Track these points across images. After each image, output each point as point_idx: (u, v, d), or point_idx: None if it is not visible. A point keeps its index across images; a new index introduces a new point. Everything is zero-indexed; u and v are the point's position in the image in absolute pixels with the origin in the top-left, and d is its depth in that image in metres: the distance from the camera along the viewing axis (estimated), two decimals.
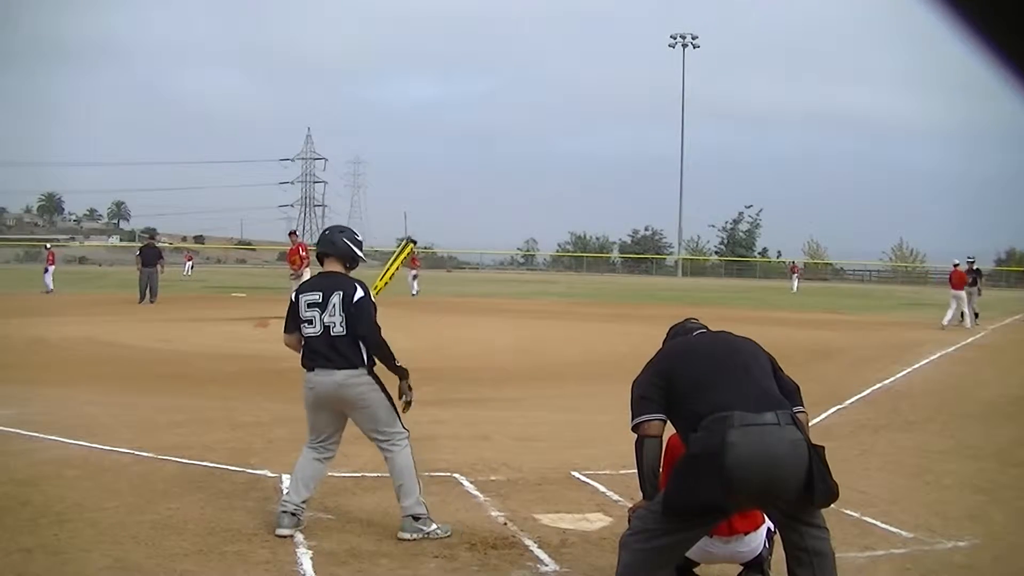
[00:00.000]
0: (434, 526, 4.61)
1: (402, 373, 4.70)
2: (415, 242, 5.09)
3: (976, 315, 22.41)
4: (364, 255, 4.96)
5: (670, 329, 4.03)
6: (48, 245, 34.94)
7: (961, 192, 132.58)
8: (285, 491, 4.92)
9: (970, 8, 1.30)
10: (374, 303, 4.72)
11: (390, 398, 4.69)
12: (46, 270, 29.11)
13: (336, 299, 4.65)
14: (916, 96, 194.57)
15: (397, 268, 5.06)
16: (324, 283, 4.76)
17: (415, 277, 31.28)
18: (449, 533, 4.63)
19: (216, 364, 11.87)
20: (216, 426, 7.49)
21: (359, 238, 4.94)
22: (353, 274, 4.88)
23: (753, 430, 3.17)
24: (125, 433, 6.95)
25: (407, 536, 4.56)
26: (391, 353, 4.65)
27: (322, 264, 4.92)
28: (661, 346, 3.87)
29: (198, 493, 5.33)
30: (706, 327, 3.94)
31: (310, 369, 4.70)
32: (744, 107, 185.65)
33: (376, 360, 4.68)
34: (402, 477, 4.64)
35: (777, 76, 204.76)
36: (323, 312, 4.65)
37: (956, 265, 22.77)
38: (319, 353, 4.66)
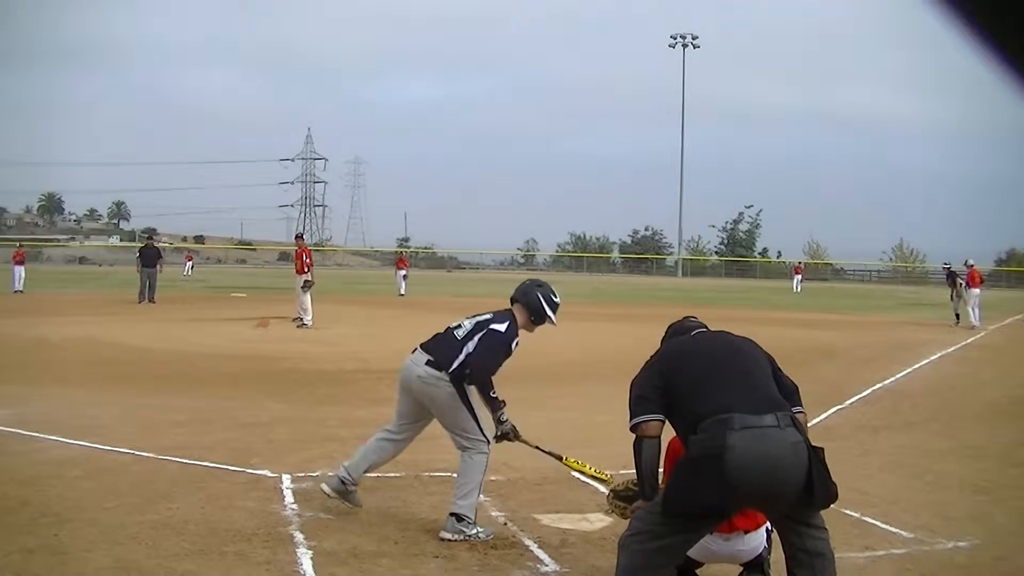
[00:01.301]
0: (475, 530, 4.61)
1: (495, 406, 4.71)
2: (611, 487, 5.11)
3: (958, 316, 22.45)
4: (553, 317, 4.97)
5: (669, 328, 4.02)
6: (19, 244, 33.42)
7: (961, 192, 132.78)
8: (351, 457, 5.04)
9: (970, 9, 1.30)
10: (511, 348, 4.79)
11: (471, 408, 4.73)
12: (14, 269, 27.54)
13: (484, 317, 4.86)
14: (916, 96, 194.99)
15: (583, 472, 5.17)
16: (497, 310, 4.96)
17: (404, 277, 31.41)
18: (492, 535, 4.64)
19: (216, 364, 11.86)
20: (216, 426, 7.49)
21: (556, 300, 5.00)
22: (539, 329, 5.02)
23: (753, 432, 3.16)
24: (125, 433, 6.95)
25: (447, 536, 4.58)
26: (490, 386, 4.70)
27: (511, 304, 5.01)
28: (660, 345, 3.86)
29: (198, 493, 5.33)
30: (705, 326, 3.93)
31: (413, 349, 4.88)
32: (744, 107, 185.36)
33: (471, 379, 4.73)
34: (464, 478, 4.69)
35: (777, 76, 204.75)
36: (469, 318, 4.90)
37: (970, 265, 22.80)
38: (433, 339, 4.88)
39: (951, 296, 23.38)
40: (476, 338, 4.75)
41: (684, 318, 4.05)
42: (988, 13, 1.30)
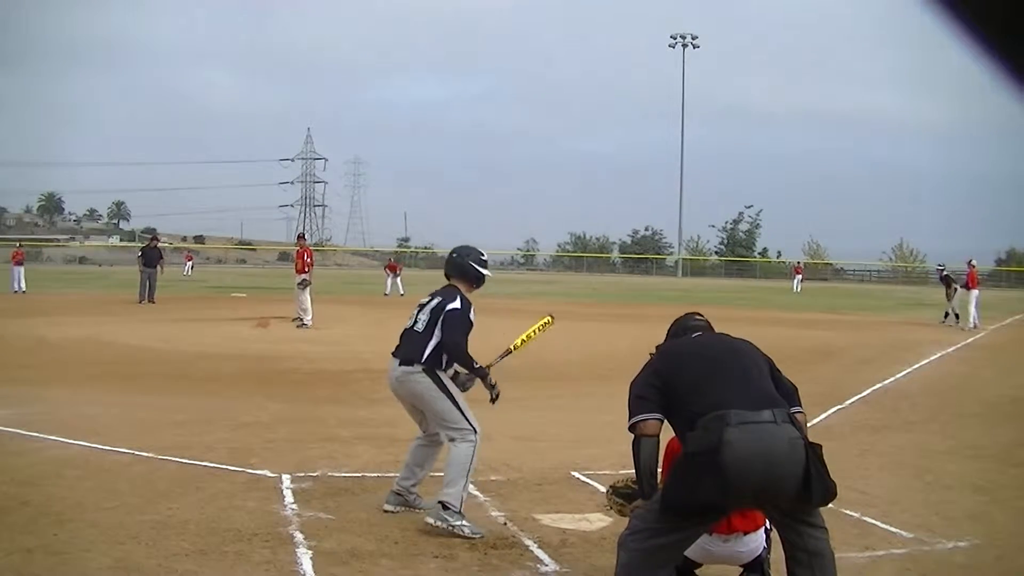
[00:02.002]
0: (461, 522, 4.64)
1: (480, 374, 4.96)
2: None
3: (956, 316, 22.44)
4: (488, 273, 5.27)
5: (673, 323, 4.02)
6: (19, 244, 33.05)
7: (961, 192, 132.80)
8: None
9: (968, 9, 1.30)
10: (471, 320, 5.01)
11: (451, 397, 4.88)
12: (13, 269, 27.46)
13: (434, 302, 5.04)
14: (916, 96, 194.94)
15: (532, 337, 5.42)
16: (438, 290, 5.17)
17: (397, 276, 31.58)
18: (481, 535, 4.64)
19: (216, 364, 11.86)
20: (216, 426, 7.49)
21: (484, 257, 5.29)
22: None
23: (750, 428, 3.17)
24: (125, 433, 6.95)
25: (430, 520, 4.67)
26: (469, 359, 4.92)
27: (448, 280, 5.23)
28: (664, 342, 3.87)
29: (198, 493, 5.33)
30: (708, 323, 3.94)
31: (392, 355, 5.06)
32: (744, 107, 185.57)
33: (451, 362, 4.96)
34: (450, 467, 4.80)
35: (777, 76, 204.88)
36: (420, 311, 5.06)
37: (973, 265, 22.76)
38: (399, 343, 5.06)
39: (947, 296, 23.38)
40: (439, 324, 4.93)
41: (687, 314, 4.05)
42: (986, 13, 1.30)
